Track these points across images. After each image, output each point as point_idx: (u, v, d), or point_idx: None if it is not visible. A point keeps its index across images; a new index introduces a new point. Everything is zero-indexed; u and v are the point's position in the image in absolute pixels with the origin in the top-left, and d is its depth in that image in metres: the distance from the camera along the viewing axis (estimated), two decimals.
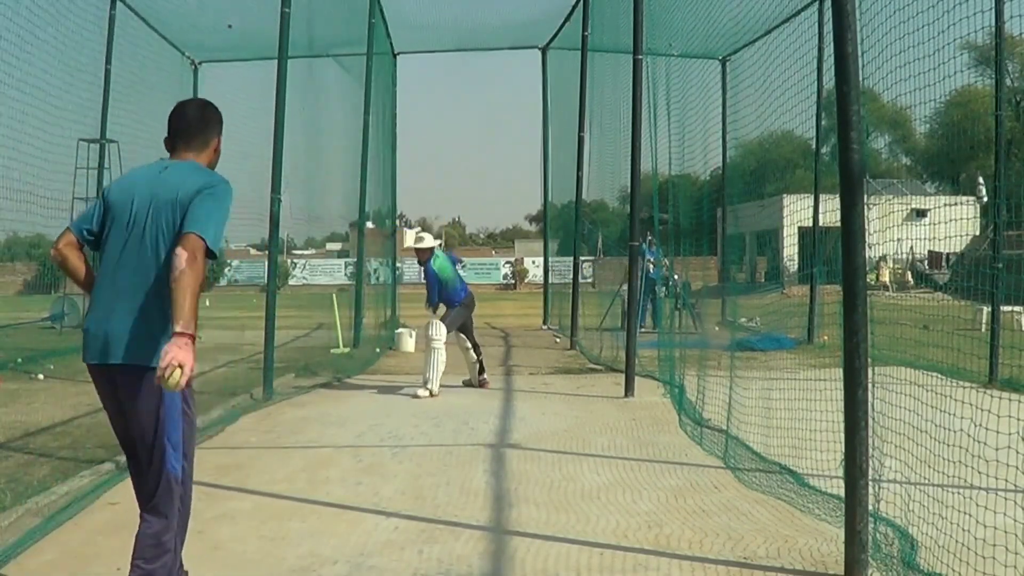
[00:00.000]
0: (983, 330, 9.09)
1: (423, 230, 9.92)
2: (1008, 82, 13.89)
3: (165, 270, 2.88)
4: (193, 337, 2.78)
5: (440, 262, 8.85)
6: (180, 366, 2.69)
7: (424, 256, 8.86)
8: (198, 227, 2.88)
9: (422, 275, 9.05)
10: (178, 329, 2.74)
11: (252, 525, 4.38)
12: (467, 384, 9.26)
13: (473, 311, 9.19)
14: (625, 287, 10.44)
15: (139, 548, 3.05)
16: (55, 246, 3.17)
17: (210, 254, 2.91)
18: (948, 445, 3.80)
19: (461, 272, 9.20)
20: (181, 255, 2.79)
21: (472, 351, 9.08)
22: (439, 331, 8.64)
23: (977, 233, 16.06)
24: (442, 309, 8.93)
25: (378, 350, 12.78)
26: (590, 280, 22.53)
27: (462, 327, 8.99)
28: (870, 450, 3.58)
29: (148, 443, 3.00)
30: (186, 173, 3.08)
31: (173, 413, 2.99)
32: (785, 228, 20.50)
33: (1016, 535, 3.39)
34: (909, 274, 21.09)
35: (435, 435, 6.74)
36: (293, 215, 11.66)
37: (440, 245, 9.25)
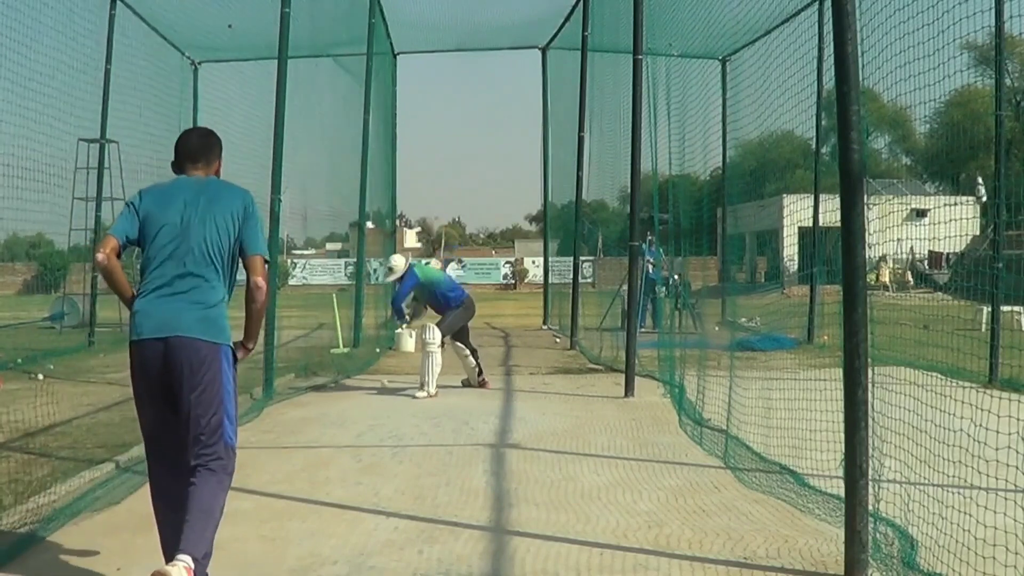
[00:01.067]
0: (983, 330, 9.09)
1: (421, 230, 9.83)
2: (1008, 82, 13.94)
3: (222, 263, 3.39)
4: (254, 347, 3.63)
5: (426, 271, 8.82)
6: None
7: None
8: (260, 248, 3.47)
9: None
10: (250, 346, 3.57)
11: (252, 525, 4.38)
12: (466, 384, 9.25)
13: (472, 317, 9.11)
14: (625, 287, 10.43)
15: (196, 508, 3.22)
16: (102, 250, 3.34)
17: (267, 262, 3.50)
18: (948, 445, 3.80)
19: (459, 272, 9.14)
20: (260, 285, 3.41)
21: (470, 357, 9.04)
22: (434, 335, 8.61)
23: (977, 233, 16.07)
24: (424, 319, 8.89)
25: (378, 350, 12.78)
26: (590, 280, 22.55)
27: (457, 334, 8.89)
28: (870, 450, 3.58)
29: (208, 413, 3.29)
30: (226, 186, 3.56)
31: (230, 387, 3.37)
32: (785, 228, 20.52)
33: (1016, 535, 3.39)
34: (909, 274, 21.09)
35: (435, 435, 6.73)
36: (292, 214, 11.65)
37: (409, 260, 9.15)
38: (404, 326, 8.70)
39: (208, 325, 3.31)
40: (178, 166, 3.61)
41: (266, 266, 3.47)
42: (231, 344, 3.43)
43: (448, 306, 8.76)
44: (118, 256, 3.39)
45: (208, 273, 3.36)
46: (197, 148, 3.62)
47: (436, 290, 8.77)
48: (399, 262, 8.95)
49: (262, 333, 8.47)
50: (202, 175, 3.58)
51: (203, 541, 3.19)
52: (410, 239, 56.30)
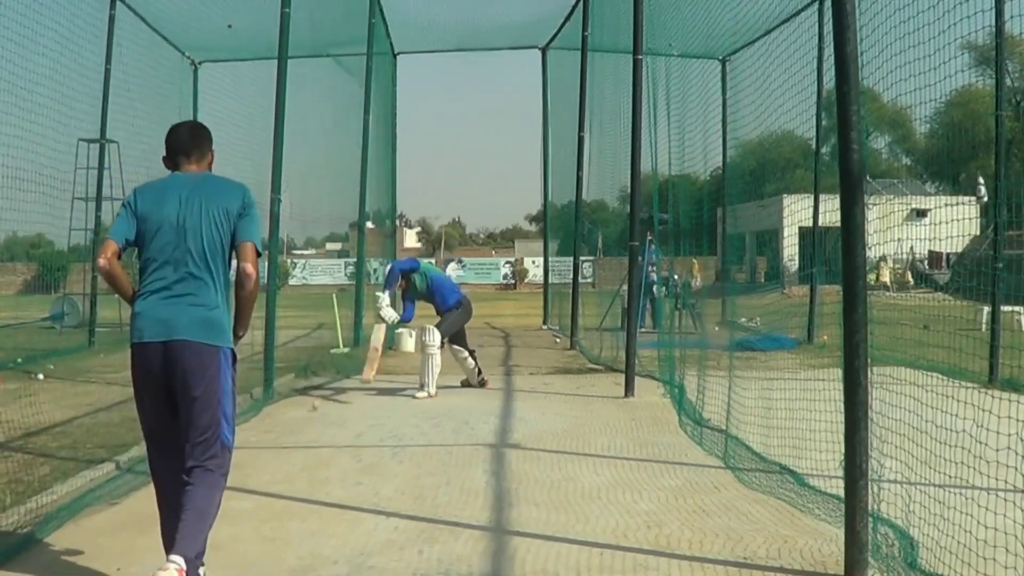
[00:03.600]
0: (983, 330, 9.09)
1: (421, 229, 9.79)
2: (1008, 82, 13.91)
3: (221, 262, 3.40)
4: (244, 334, 3.59)
5: (421, 277, 8.80)
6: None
7: (406, 287, 8.89)
8: (253, 236, 3.46)
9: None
10: (241, 333, 3.54)
11: (252, 525, 4.38)
12: (466, 384, 9.24)
13: (469, 318, 9.09)
14: (625, 287, 10.43)
15: (192, 503, 3.25)
16: (103, 255, 3.36)
17: (259, 252, 3.48)
18: (949, 445, 3.80)
19: (459, 272, 9.13)
20: (250, 272, 3.38)
21: (469, 359, 9.02)
22: (433, 336, 8.59)
23: (977, 233, 16.07)
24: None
25: None
26: (590, 280, 22.55)
27: (455, 337, 8.87)
28: (870, 450, 3.58)
29: (207, 416, 3.32)
30: (221, 184, 3.54)
31: (228, 388, 3.39)
32: (785, 228, 20.53)
33: (1016, 536, 3.39)
34: (909, 274, 21.09)
35: (435, 435, 6.73)
36: (292, 214, 11.65)
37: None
38: (384, 293, 8.65)
39: (208, 327, 3.33)
40: (171, 161, 3.59)
41: (257, 256, 3.45)
42: (232, 346, 3.44)
43: (447, 307, 8.76)
44: (119, 258, 3.40)
45: (206, 274, 3.36)
46: (189, 142, 3.60)
47: (433, 293, 8.77)
48: (386, 311, 8.76)
49: (262, 333, 8.57)
50: (195, 169, 3.56)
51: (197, 541, 3.24)
52: (410, 239, 56.31)
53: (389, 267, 9.26)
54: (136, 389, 3.41)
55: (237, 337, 3.52)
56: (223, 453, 3.38)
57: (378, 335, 8.88)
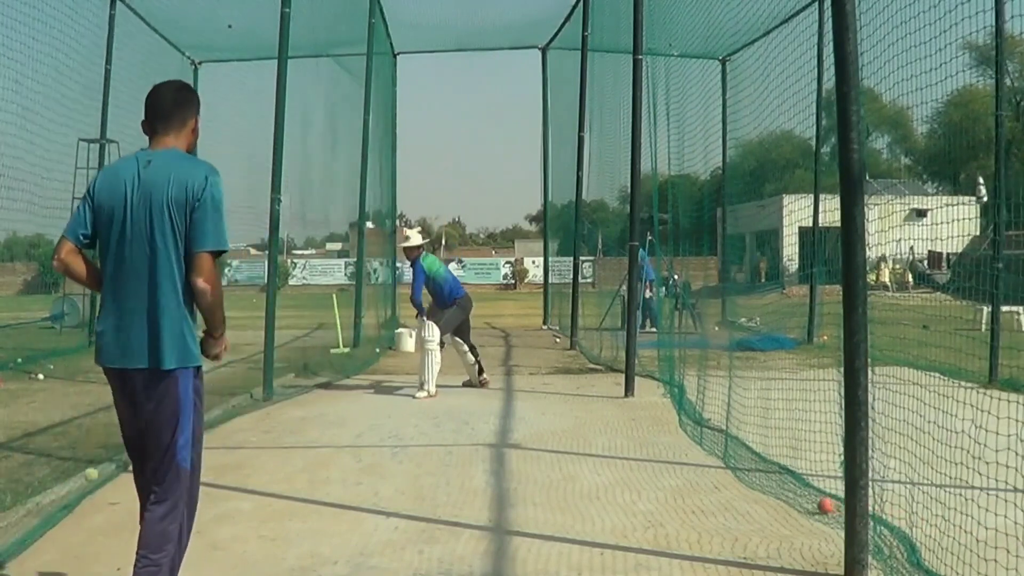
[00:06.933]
0: (983, 330, 9.09)
1: (421, 229, 9.82)
2: (1008, 82, 13.90)
3: (171, 274, 3.04)
4: (223, 333, 3.26)
5: (430, 261, 8.79)
6: (225, 350, 3.31)
7: (412, 255, 8.77)
8: (206, 243, 3.04)
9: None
10: (217, 335, 3.22)
11: (252, 525, 4.38)
12: (467, 384, 9.25)
13: (470, 313, 9.13)
14: (625, 287, 10.43)
15: (145, 538, 3.10)
16: (56, 256, 3.14)
17: (218, 254, 3.08)
18: (948, 446, 3.79)
19: (459, 272, 9.15)
20: (204, 288, 3.04)
21: (469, 353, 9.04)
22: (432, 332, 8.60)
23: (977, 233, 16.08)
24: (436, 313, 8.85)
25: (378, 350, 12.78)
26: (590, 280, 22.55)
27: (458, 330, 8.90)
28: (870, 450, 3.58)
29: (163, 439, 3.10)
30: (173, 168, 3.06)
31: (188, 409, 3.10)
32: (785, 228, 20.56)
33: (1017, 537, 3.39)
34: (909, 274, 21.10)
35: (435, 435, 6.73)
36: (292, 215, 11.66)
37: (427, 243, 9.12)
38: (422, 318, 8.67)
39: (162, 349, 3.02)
40: (148, 127, 3.19)
41: (214, 261, 3.06)
42: (193, 363, 3.11)
43: (447, 302, 8.78)
44: (80, 253, 3.14)
45: (161, 277, 3.02)
46: (169, 106, 3.18)
47: (438, 285, 8.78)
48: (416, 236, 8.91)
49: (262, 333, 8.57)
50: (170, 142, 3.15)
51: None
52: (410, 239, 56.29)
53: (412, 299, 8.97)
54: (112, 398, 3.24)
55: (213, 339, 3.19)
56: (177, 478, 3.10)
57: (407, 341, 8.80)
